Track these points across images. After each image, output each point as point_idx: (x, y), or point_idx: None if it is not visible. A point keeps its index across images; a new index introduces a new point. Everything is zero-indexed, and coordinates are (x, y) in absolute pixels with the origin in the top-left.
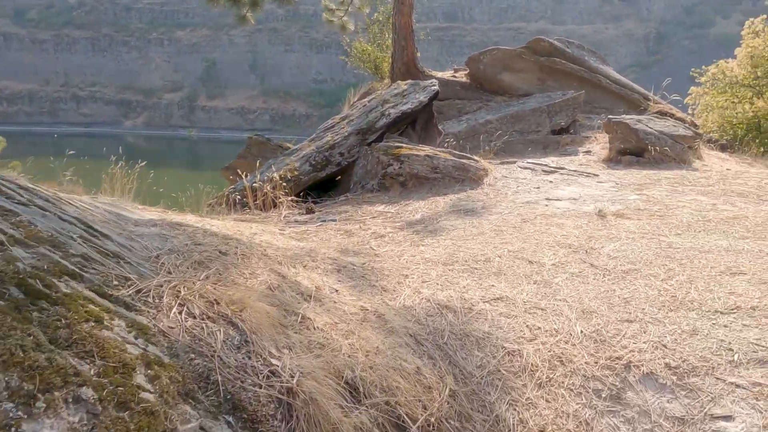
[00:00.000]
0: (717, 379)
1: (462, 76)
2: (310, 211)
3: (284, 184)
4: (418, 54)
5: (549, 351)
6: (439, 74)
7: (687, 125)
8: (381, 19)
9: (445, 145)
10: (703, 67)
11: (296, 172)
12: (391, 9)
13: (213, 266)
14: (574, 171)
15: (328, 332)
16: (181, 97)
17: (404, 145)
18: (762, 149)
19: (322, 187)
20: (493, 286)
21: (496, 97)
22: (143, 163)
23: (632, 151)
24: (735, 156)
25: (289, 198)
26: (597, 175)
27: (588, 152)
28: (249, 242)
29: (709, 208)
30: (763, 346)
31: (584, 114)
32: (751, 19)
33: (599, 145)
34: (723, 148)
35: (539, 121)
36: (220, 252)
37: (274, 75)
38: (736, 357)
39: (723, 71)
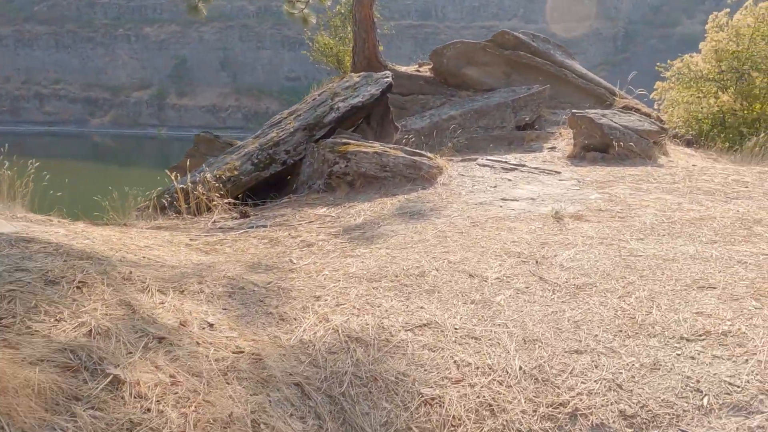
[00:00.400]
0: None
1: (426, 71)
2: (244, 216)
3: (220, 185)
4: (381, 47)
5: (478, 396)
6: (403, 68)
7: (653, 120)
8: (343, 11)
9: (404, 142)
10: (669, 61)
11: (236, 172)
12: (352, 0)
13: (6, 306)
14: (536, 168)
15: (152, 401)
16: (150, 95)
17: (352, 141)
18: (727, 144)
19: (270, 187)
20: (422, 308)
21: (460, 91)
22: (36, 164)
23: (597, 147)
24: (701, 151)
25: (226, 201)
26: (559, 173)
27: (552, 148)
28: (118, 261)
29: (674, 207)
30: (738, 386)
31: (550, 109)
32: (715, 13)
33: (564, 141)
34: (689, 144)
35: (504, 116)
36: (46, 281)
37: (246, 72)
38: (705, 401)
39: (688, 65)
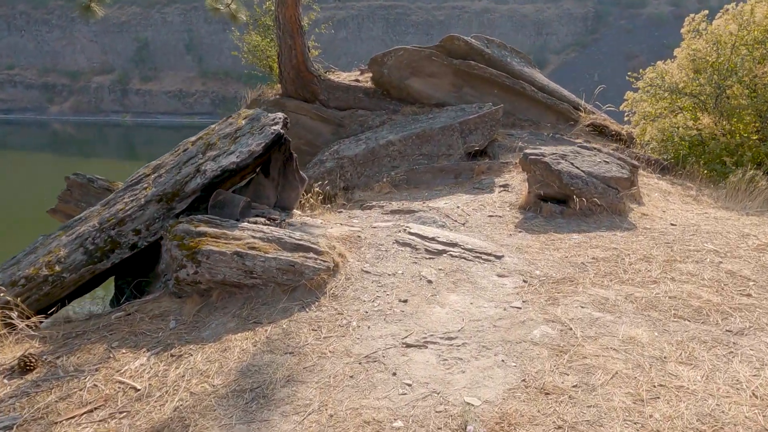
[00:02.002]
0: None
1: (367, 80)
2: (25, 369)
3: (28, 294)
4: (316, 52)
5: None
6: (343, 75)
7: (622, 159)
8: (273, 8)
9: (317, 190)
10: (640, 71)
11: (58, 268)
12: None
13: None
14: (470, 251)
15: None
16: (112, 80)
17: (210, 231)
18: (706, 172)
19: (134, 271)
20: None
21: (404, 106)
22: None
23: (555, 197)
24: (678, 184)
25: (25, 323)
26: (501, 257)
27: (505, 187)
28: None
29: (654, 372)
30: None
31: (505, 129)
32: (692, 16)
33: (520, 175)
34: (663, 171)
35: (450, 142)
36: None
37: (212, 56)
38: None
39: (662, 75)
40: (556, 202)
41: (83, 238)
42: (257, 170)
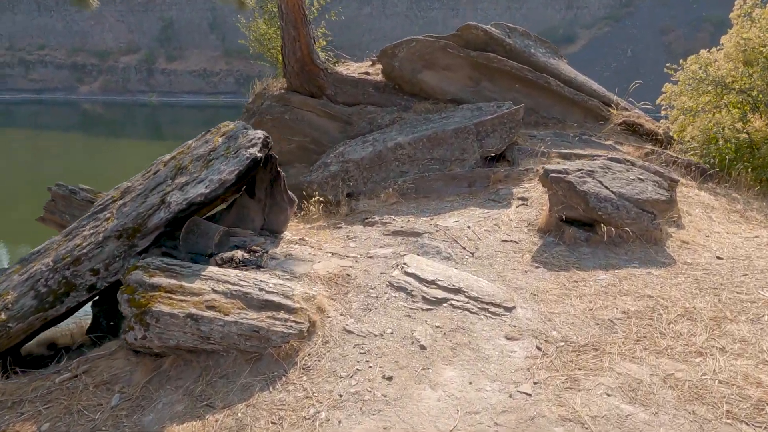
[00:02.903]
0: None
1: (378, 73)
2: None
3: None
4: (323, 42)
5: None
6: (354, 66)
7: (658, 175)
8: None
9: (317, 198)
10: (681, 61)
11: (2, 317)
12: None
13: None
14: (476, 300)
15: None
16: (138, 59)
17: (166, 282)
18: (756, 181)
19: (112, 297)
20: None
21: (417, 103)
22: None
23: (579, 221)
24: (722, 195)
25: None
26: (511, 310)
27: (524, 201)
28: None
29: None
30: None
31: (527, 129)
32: None
33: (541, 185)
34: (705, 177)
35: (464, 145)
36: None
37: (236, 35)
38: None
39: (705, 67)
40: (580, 226)
41: (35, 279)
42: (242, 189)
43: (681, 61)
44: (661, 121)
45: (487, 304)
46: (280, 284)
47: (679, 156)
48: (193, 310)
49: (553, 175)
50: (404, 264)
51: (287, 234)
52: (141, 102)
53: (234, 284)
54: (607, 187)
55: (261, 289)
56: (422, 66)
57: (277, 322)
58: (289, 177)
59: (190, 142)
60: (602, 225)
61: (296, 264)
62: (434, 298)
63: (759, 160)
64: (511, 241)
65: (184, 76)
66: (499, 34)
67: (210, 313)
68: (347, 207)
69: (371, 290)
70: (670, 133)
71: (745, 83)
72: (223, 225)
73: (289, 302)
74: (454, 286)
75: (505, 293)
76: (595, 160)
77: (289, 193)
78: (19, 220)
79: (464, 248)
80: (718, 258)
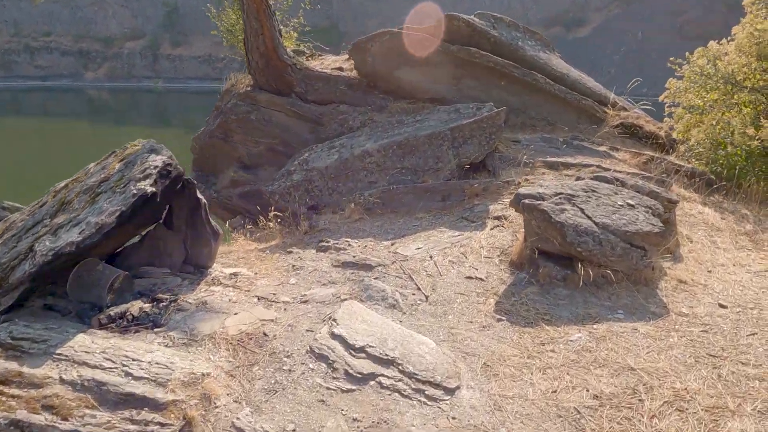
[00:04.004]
0: None
1: (352, 68)
2: None
3: None
4: (294, 34)
5: None
6: (330, 60)
7: (653, 197)
8: None
9: (273, 214)
10: (687, 54)
11: None
12: None
13: None
14: (412, 377)
15: None
16: (143, 45)
17: (3, 366)
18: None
19: None
20: None
21: (393, 102)
22: None
23: (557, 256)
24: (729, 211)
25: None
26: (454, 392)
27: (500, 220)
28: None
29: None
30: None
31: (512, 133)
32: None
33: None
34: (711, 187)
35: (439, 153)
36: None
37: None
38: None
39: (714, 61)
40: (558, 260)
41: None
42: (162, 219)
43: (687, 54)
44: (664, 121)
45: (424, 383)
46: (161, 361)
47: (683, 164)
48: (22, 414)
49: (526, 201)
50: (334, 321)
51: (216, 268)
52: (146, 88)
53: (94, 366)
54: (589, 217)
55: (128, 374)
56: (399, 62)
57: (132, 428)
58: (258, 182)
59: (90, 165)
60: (582, 261)
61: (205, 319)
62: (359, 373)
63: None
64: (477, 278)
65: (189, 62)
66: (483, 25)
67: (43, 417)
68: (307, 223)
69: (286, 360)
70: (674, 135)
71: (758, 81)
72: (133, 262)
73: (158, 394)
74: (387, 355)
75: (450, 364)
76: (579, 179)
77: (213, 224)
78: None
79: (419, 288)
80: (721, 306)
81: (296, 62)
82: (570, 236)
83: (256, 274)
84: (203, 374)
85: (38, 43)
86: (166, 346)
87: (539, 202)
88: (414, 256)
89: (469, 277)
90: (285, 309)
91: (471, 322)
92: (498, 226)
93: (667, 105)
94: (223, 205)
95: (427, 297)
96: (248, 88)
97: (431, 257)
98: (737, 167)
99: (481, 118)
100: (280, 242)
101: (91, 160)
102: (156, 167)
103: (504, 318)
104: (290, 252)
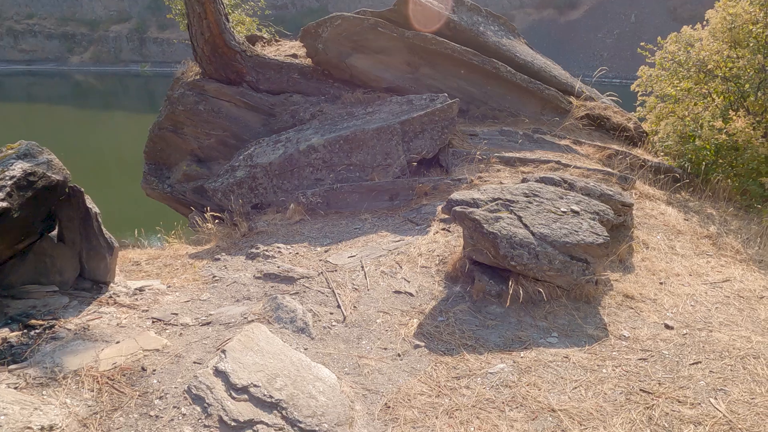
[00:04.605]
0: None
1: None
2: None
3: None
4: (242, 20)
5: None
6: (287, 46)
7: (604, 200)
8: None
9: (210, 214)
10: (659, 39)
11: None
12: None
13: None
14: (295, 425)
15: None
16: (130, 28)
17: None
18: (737, 191)
19: None
20: None
21: (348, 92)
22: None
23: (493, 267)
24: (693, 211)
25: None
26: None
27: (446, 224)
28: None
29: None
30: None
31: (470, 125)
32: None
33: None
34: (677, 184)
35: (388, 149)
36: None
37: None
38: None
39: (686, 47)
40: (495, 274)
41: None
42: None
43: (659, 39)
44: (637, 110)
45: None
46: None
47: (650, 158)
48: None
49: (458, 209)
50: (223, 353)
51: (120, 282)
52: (134, 72)
53: None
54: (526, 226)
55: None
56: (351, 48)
57: None
58: (212, 176)
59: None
60: (517, 274)
61: (78, 350)
62: (235, 421)
63: (741, 167)
64: (406, 292)
65: (177, 46)
66: (442, 9)
67: None
68: (247, 225)
69: (157, 402)
70: (644, 127)
71: (730, 69)
72: (13, 280)
73: None
74: (271, 397)
75: (346, 407)
76: (525, 181)
77: (106, 236)
78: None
79: (339, 306)
80: (667, 327)
81: (246, 49)
82: (503, 248)
83: (168, 287)
84: (45, 427)
85: (21, 26)
86: (15, 388)
87: (472, 209)
88: (345, 265)
89: (398, 292)
90: (180, 334)
91: (385, 348)
92: (444, 229)
93: (639, 94)
94: (178, 201)
95: (344, 317)
96: (197, 77)
97: (363, 267)
98: (705, 162)
99: (433, 110)
100: (213, 246)
101: (78, 143)
102: (13, 177)
103: (423, 344)
104: (218, 259)
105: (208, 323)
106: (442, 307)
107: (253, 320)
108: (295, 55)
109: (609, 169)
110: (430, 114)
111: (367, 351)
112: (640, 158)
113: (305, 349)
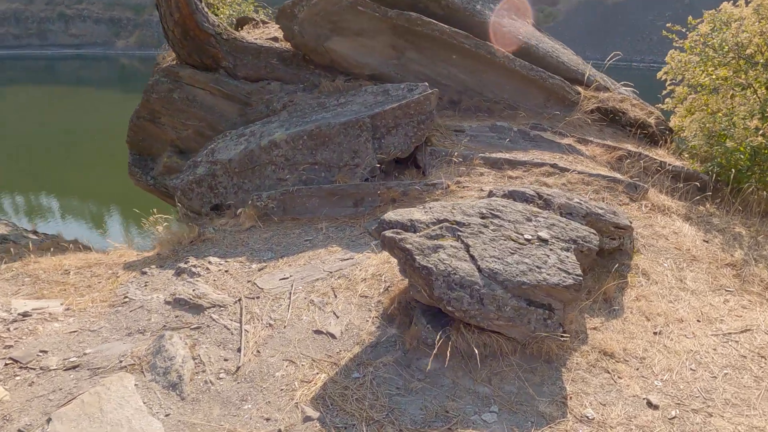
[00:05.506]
0: None
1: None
2: None
3: None
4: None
5: None
6: (272, 28)
7: (591, 221)
8: None
9: (157, 228)
10: (690, 19)
11: None
12: None
13: None
14: None
15: None
16: None
17: None
18: None
19: None
20: None
21: (328, 80)
22: None
23: (432, 306)
24: (717, 230)
25: None
26: None
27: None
28: None
29: None
30: None
31: (458, 119)
32: None
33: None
34: (702, 194)
35: (356, 146)
36: None
37: None
38: None
39: (720, 27)
40: (436, 316)
41: None
42: None
43: (690, 18)
44: (665, 102)
45: None
46: None
47: (670, 161)
48: None
49: (388, 234)
50: (48, 422)
51: (7, 304)
52: None
53: None
54: (473, 258)
55: None
56: (329, 30)
57: None
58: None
59: None
60: (462, 324)
61: None
62: None
63: None
64: (328, 333)
65: None
66: None
67: None
68: (196, 230)
69: None
70: (663, 123)
71: None
72: None
73: None
74: None
75: None
76: (491, 195)
77: None
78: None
79: (240, 350)
80: (650, 405)
81: (221, 32)
82: (438, 289)
83: (66, 310)
84: None
85: (72, 11)
86: None
87: (404, 235)
88: (272, 290)
89: (319, 332)
90: (32, 383)
91: (268, 419)
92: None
93: (667, 83)
94: (163, 193)
95: (238, 367)
96: (172, 62)
97: (291, 294)
98: (737, 168)
99: (408, 102)
100: (154, 254)
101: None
102: None
103: (317, 414)
104: (144, 273)
105: (75, 367)
106: (365, 356)
107: (126, 366)
108: (276, 39)
109: (616, 175)
110: (404, 107)
111: (244, 422)
112: (658, 161)
113: (166, 416)
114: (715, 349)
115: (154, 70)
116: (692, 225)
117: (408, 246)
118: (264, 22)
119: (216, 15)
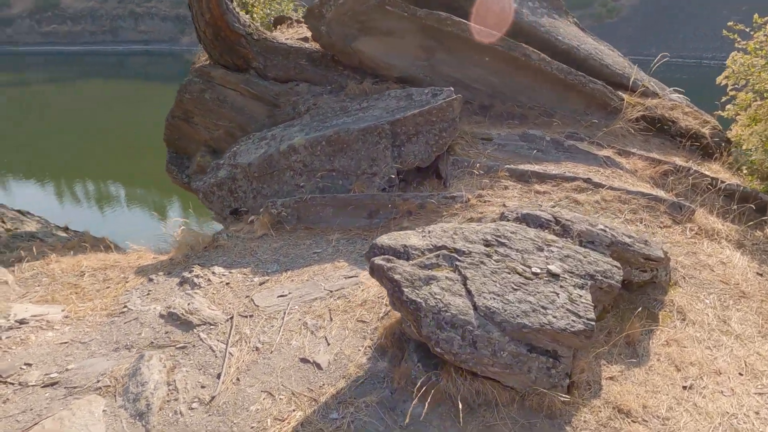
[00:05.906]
0: None
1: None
2: None
3: None
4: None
5: None
6: (305, 29)
7: (616, 252)
8: None
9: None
10: (756, 17)
11: None
12: None
13: None
14: None
15: None
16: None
17: None
18: None
19: None
20: None
21: (356, 82)
22: None
23: (425, 349)
24: None
25: None
26: None
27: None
28: None
29: None
30: None
31: (484, 127)
32: None
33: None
34: (762, 217)
35: (374, 153)
36: None
37: None
38: None
39: None
40: (429, 355)
41: None
42: None
43: (756, 16)
44: (726, 109)
45: None
46: None
47: (724, 177)
48: None
49: (377, 262)
50: None
51: (6, 308)
52: None
53: None
54: (470, 293)
55: None
56: (357, 30)
57: None
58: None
59: None
60: (452, 368)
61: None
62: None
63: None
64: (314, 363)
65: None
66: None
67: None
68: (211, 236)
69: None
70: (726, 135)
71: None
72: None
73: None
74: None
75: None
76: (502, 219)
77: None
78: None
79: (219, 375)
80: None
81: (252, 32)
82: (426, 327)
83: (65, 317)
84: None
85: (141, 9)
86: None
87: (395, 264)
88: (268, 308)
89: (305, 360)
90: (5, 400)
91: None
92: None
93: (729, 89)
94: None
95: (212, 397)
96: (205, 62)
97: (285, 314)
98: None
99: (429, 109)
100: (167, 259)
101: None
102: None
103: None
104: (151, 280)
105: (53, 384)
106: (348, 393)
107: (102, 387)
108: (306, 39)
109: (659, 192)
110: (426, 113)
111: None
112: (710, 177)
113: None
114: (757, 413)
115: (191, 70)
116: (745, 254)
117: (396, 276)
118: (298, 22)
119: (251, 15)
